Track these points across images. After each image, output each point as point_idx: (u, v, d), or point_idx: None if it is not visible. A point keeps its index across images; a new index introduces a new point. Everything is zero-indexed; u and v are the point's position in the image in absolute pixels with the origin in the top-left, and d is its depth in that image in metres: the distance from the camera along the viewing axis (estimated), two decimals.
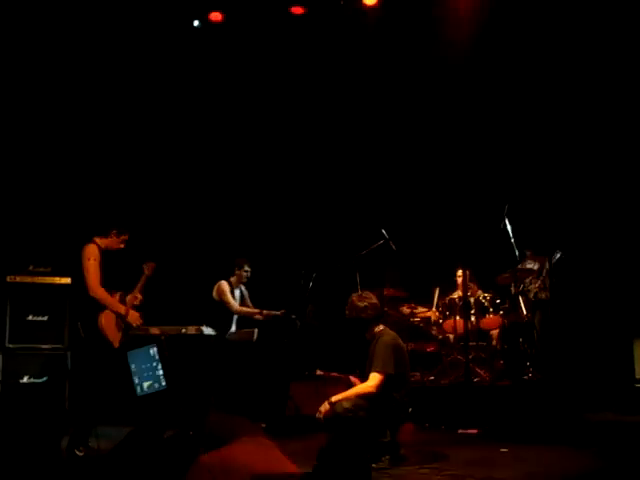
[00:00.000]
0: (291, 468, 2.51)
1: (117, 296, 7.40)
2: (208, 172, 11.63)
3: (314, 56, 11.24)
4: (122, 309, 7.32)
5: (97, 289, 7.12)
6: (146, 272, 7.66)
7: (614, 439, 7.47)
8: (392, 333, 6.99)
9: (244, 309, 9.92)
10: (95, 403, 7.19)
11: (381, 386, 6.54)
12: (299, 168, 11.86)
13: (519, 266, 10.09)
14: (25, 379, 8.45)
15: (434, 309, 10.52)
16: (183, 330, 9.18)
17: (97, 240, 7.31)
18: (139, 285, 7.62)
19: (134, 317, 7.41)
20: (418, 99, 11.38)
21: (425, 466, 6.60)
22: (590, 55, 10.49)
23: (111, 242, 7.37)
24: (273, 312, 9.82)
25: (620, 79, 10.42)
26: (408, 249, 10.39)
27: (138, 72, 10.93)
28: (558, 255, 9.86)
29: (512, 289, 10.32)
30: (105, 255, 7.31)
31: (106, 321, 7.23)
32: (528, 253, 10.42)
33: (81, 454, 6.91)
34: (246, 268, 9.92)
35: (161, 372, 6.47)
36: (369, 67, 11.24)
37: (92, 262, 7.13)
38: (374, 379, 6.57)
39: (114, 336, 7.30)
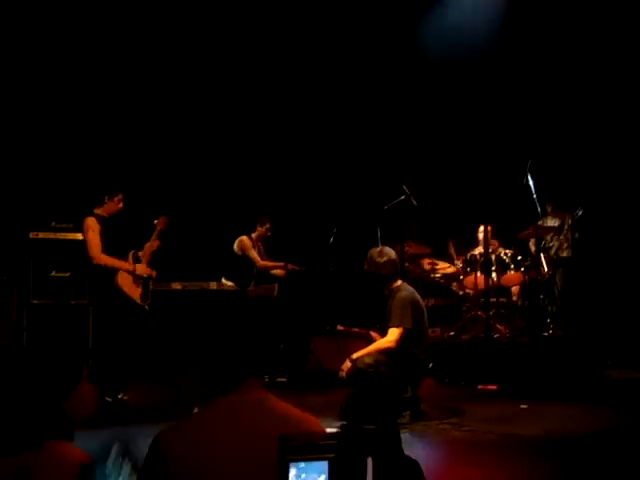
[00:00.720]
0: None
1: (130, 255, 7.78)
2: (228, 128, 11.58)
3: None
4: (128, 266, 7.69)
5: (99, 257, 7.51)
6: (158, 227, 8.03)
7: (633, 397, 7.48)
8: (410, 288, 7.03)
9: (268, 263, 9.95)
10: (121, 358, 7.38)
11: (400, 340, 6.58)
12: (321, 124, 11.79)
13: (540, 222, 10.05)
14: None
15: (456, 262, 10.49)
16: (204, 285, 9.29)
17: (97, 210, 7.65)
18: (154, 235, 8.01)
19: (141, 269, 7.78)
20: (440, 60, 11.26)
21: (445, 421, 6.68)
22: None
23: (109, 207, 7.70)
24: (296, 266, 9.86)
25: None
26: (429, 205, 10.35)
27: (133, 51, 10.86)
28: (580, 212, 9.82)
29: (533, 246, 10.31)
30: (109, 221, 7.68)
31: (122, 280, 7.63)
32: (549, 209, 10.35)
33: (110, 400, 7.21)
34: (268, 226, 9.94)
35: None
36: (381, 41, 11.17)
37: (91, 233, 7.54)
38: (393, 334, 6.62)
39: (133, 292, 7.71)
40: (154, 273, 7.94)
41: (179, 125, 11.26)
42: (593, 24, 10.49)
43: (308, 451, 1.98)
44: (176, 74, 11.08)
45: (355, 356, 6.59)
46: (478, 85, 11.18)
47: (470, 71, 11.09)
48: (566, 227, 10.17)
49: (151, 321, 8.04)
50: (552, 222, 10.39)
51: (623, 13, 10.36)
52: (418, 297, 6.97)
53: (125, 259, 7.73)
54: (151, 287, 7.94)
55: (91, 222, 7.56)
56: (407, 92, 11.56)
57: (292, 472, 1.96)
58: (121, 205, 7.74)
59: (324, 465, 1.99)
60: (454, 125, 11.46)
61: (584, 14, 10.48)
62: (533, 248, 10.30)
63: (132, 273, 7.68)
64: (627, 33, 10.40)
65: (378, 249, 7.11)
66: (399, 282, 7.00)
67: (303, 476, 1.96)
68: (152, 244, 7.97)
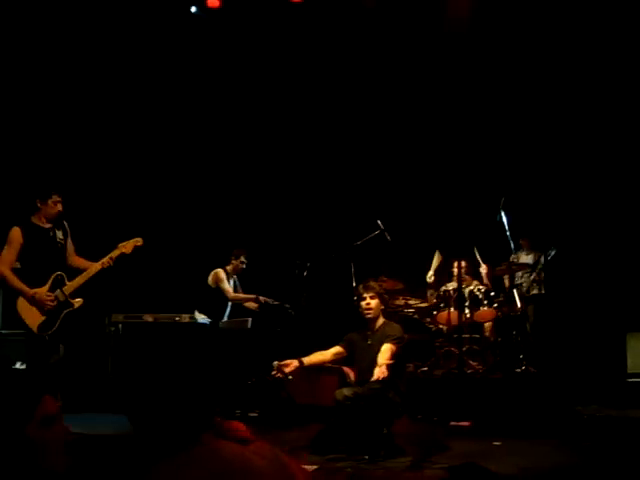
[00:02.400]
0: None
1: (52, 277, 7.02)
2: (204, 161, 11.58)
3: (305, 45, 11.18)
4: (26, 290, 6.89)
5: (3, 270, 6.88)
6: (122, 249, 7.20)
7: (606, 433, 7.49)
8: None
9: (240, 295, 9.94)
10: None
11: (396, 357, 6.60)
12: (295, 158, 11.82)
13: (513, 257, 10.13)
14: None
15: (431, 273, 10.50)
16: (177, 318, 9.20)
17: (34, 219, 7.08)
18: (106, 257, 7.16)
19: (41, 297, 6.90)
20: (415, 90, 11.33)
21: (418, 459, 6.62)
22: (586, 49, 10.48)
23: (45, 212, 7.06)
24: (268, 299, 9.82)
25: (618, 77, 10.41)
26: (403, 240, 10.37)
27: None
28: (553, 252, 9.89)
29: (506, 282, 10.35)
30: (47, 233, 7.07)
31: (21, 303, 6.96)
32: (523, 243, 10.43)
33: None
34: (242, 259, 9.93)
35: None
36: (362, 58, 11.18)
37: (6, 247, 6.93)
38: (391, 349, 6.62)
39: (32, 319, 6.94)
40: (75, 303, 7.09)
41: (156, 152, 11.23)
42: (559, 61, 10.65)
43: None
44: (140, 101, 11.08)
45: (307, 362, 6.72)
46: (452, 121, 11.26)
47: (444, 106, 11.17)
48: (539, 265, 10.23)
49: (51, 354, 7.00)
50: (526, 259, 10.46)
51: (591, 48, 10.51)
52: None
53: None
54: (74, 317, 7.12)
55: (12, 233, 6.96)
56: (381, 127, 11.61)
57: None
58: (59, 207, 7.05)
59: None
60: (428, 161, 11.52)
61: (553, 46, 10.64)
62: (507, 284, 10.34)
63: (28, 298, 6.87)
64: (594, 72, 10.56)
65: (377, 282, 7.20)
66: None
67: None
68: (95, 266, 7.11)
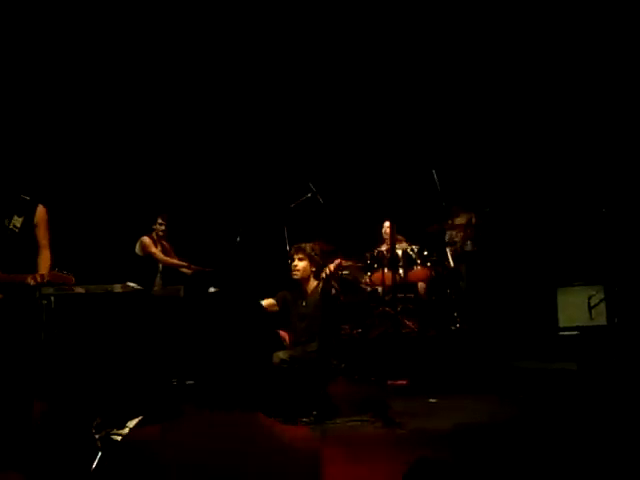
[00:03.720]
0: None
1: None
2: (133, 126, 11.34)
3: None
4: None
5: None
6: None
7: (539, 386, 7.61)
8: None
9: (172, 260, 9.77)
10: None
11: None
12: (226, 120, 11.67)
13: (449, 221, 10.19)
14: None
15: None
16: (109, 288, 9.04)
17: None
18: None
19: None
20: (350, 55, 11.25)
21: (355, 418, 6.64)
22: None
23: None
24: (201, 267, 9.72)
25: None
26: (335, 202, 10.34)
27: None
28: (487, 210, 9.97)
29: (439, 241, 10.41)
30: None
31: None
32: (454, 209, 10.47)
33: None
34: (160, 221, 9.74)
35: None
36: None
37: None
38: None
39: None
40: None
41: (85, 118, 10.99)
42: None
43: None
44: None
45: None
46: (383, 81, 11.23)
47: (374, 68, 11.12)
48: (471, 223, 10.30)
49: None
50: (459, 221, 10.51)
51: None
52: None
53: None
54: None
55: None
56: (313, 90, 11.52)
57: None
58: None
59: None
60: (360, 122, 11.48)
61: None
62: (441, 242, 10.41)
63: None
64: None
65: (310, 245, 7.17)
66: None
67: None
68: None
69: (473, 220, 10.19)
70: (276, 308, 7.03)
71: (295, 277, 6.95)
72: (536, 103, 10.76)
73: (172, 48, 11.04)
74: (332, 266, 6.90)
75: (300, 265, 6.92)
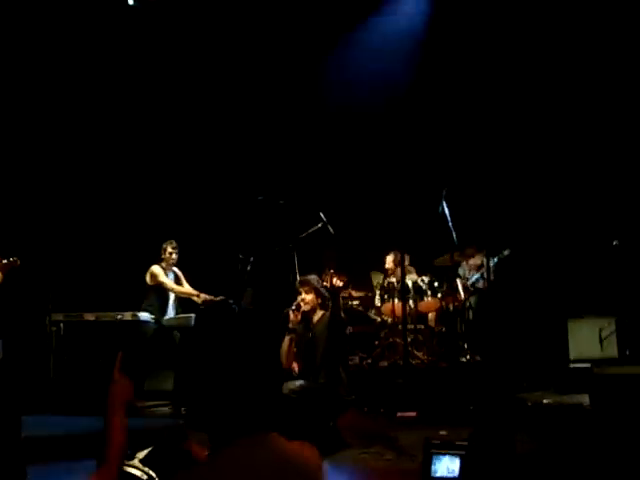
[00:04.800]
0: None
1: None
2: (141, 155, 11.38)
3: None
4: None
5: None
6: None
7: (550, 420, 7.56)
8: None
9: (182, 289, 9.78)
10: None
11: None
12: (236, 149, 11.71)
13: (464, 261, 10.24)
14: None
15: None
16: (119, 316, 9.04)
17: None
18: None
19: None
20: (359, 82, 11.31)
21: (365, 451, 6.61)
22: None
23: None
24: (211, 297, 9.71)
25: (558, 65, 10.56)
26: (346, 233, 10.36)
27: None
28: (507, 252, 9.96)
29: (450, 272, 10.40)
30: None
31: None
32: (471, 249, 10.44)
33: None
34: (169, 250, 9.74)
35: None
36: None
37: None
38: None
39: None
40: None
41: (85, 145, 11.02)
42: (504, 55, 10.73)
43: None
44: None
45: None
46: (394, 113, 11.27)
47: (387, 99, 11.16)
48: (492, 266, 10.30)
49: None
50: (474, 261, 10.50)
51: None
52: None
53: None
54: None
55: None
56: (319, 120, 11.57)
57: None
58: None
59: None
60: (371, 153, 11.51)
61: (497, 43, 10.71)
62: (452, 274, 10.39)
63: None
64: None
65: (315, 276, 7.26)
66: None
67: None
68: None
69: (490, 262, 10.20)
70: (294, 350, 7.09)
71: (304, 309, 7.02)
72: (544, 134, 10.78)
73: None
74: (337, 281, 6.92)
75: (308, 298, 7.01)
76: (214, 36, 11.02)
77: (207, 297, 9.65)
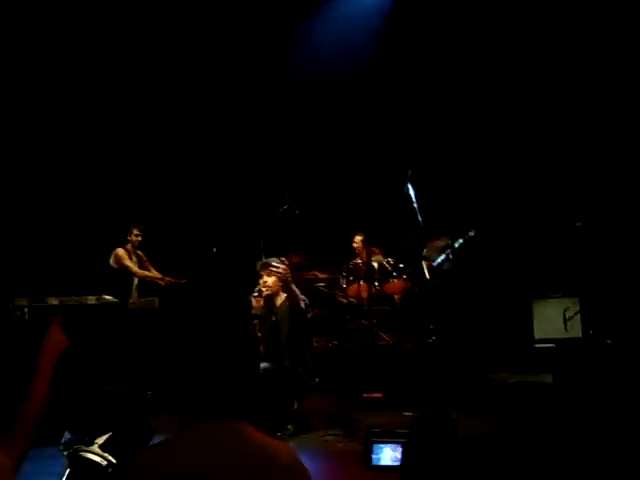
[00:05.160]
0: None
1: None
2: (105, 136, 11.25)
3: None
4: None
5: None
6: None
7: (515, 399, 7.60)
8: None
9: (146, 272, 9.76)
10: None
11: None
12: (202, 131, 11.62)
13: (428, 242, 10.24)
14: None
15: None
16: (83, 300, 8.96)
17: None
18: None
19: None
20: (326, 66, 11.26)
21: (330, 433, 6.62)
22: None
23: None
24: (175, 279, 9.67)
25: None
26: (312, 214, 10.33)
27: None
28: (472, 233, 9.98)
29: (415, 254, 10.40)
30: None
31: None
32: (435, 233, 10.46)
33: None
34: (136, 232, 9.72)
35: None
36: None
37: None
38: None
39: None
40: None
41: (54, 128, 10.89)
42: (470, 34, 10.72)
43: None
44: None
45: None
46: (358, 94, 11.22)
47: (351, 79, 11.11)
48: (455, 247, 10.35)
49: None
50: (439, 243, 10.51)
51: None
52: None
53: None
54: None
55: None
56: (286, 99, 11.50)
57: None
58: None
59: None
60: (336, 135, 11.47)
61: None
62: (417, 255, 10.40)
63: None
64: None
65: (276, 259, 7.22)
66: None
67: None
68: None
69: (455, 244, 10.25)
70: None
71: (266, 293, 6.99)
72: (507, 115, 10.80)
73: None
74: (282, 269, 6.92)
75: (269, 281, 6.97)
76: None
77: (172, 280, 9.62)
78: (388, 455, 2.97)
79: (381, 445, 2.85)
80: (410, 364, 8.95)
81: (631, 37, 9.75)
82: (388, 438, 2.83)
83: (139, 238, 9.76)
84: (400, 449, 2.61)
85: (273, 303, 7.05)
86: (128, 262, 9.58)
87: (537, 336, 9.59)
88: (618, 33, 9.87)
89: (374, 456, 2.99)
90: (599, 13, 9.93)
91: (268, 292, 7.01)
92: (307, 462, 2.30)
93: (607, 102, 10.11)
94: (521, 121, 10.70)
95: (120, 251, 9.59)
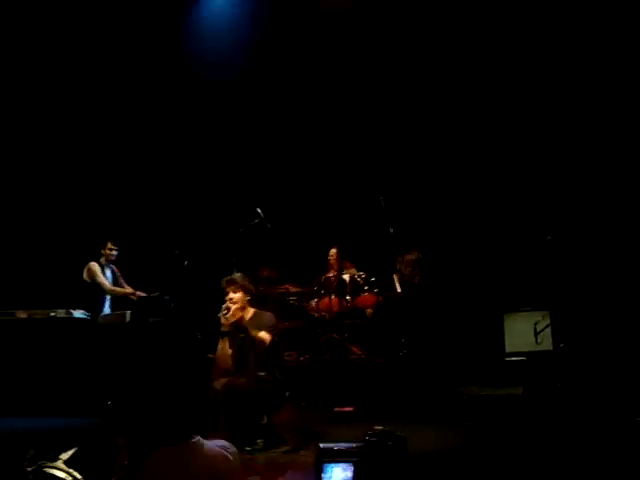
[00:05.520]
0: None
1: None
2: (82, 147, 11.19)
3: None
4: None
5: None
6: None
7: (486, 413, 7.62)
8: None
9: (117, 289, 9.69)
10: None
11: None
12: (173, 144, 11.58)
13: (400, 257, 10.28)
14: None
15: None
16: (52, 314, 8.86)
17: None
18: None
19: None
20: (300, 78, 11.28)
21: (300, 447, 6.59)
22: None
23: None
24: (144, 293, 9.61)
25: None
26: (283, 228, 10.31)
27: None
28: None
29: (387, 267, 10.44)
30: None
31: None
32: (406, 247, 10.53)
33: None
34: (110, 246, 9.65)
35: None
36: None
37: None
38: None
39: None
40: None
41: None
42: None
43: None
44: None
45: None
46: (334, 108, 11.26)
47: (324, 94, 11.15)
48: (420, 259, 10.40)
49: None
50: (409, 257, 10.57)
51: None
52: None
53: None
54: None
55: None
56: (262, 116, 11.50)
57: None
58: None
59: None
60: (310, 147, 11.48)
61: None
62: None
63: None
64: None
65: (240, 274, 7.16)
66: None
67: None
68: None
69: (420, 256, 10.32)
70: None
71: (233, 308, 6.94)
72: (478, 130, 10.87)
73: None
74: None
75: (236, 297, 6.91)
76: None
77: (142, 295, 9.56)
78: (339, 475, 2.94)
79: (331, 465, 2.81)
80: (381, 378, 8.95)
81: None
82: (339, 457, 2.80)
83: (113, 252, 9.70)
84: (351, 469, 2.59)
85: (241, 318, 6.99)
86: (101, 279, 9.51)
87: (508, 349, 9.61)
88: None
89: (324, 475, 2.95)
90: (586, 16, 10.02)
91: (235, 307, 6.95)
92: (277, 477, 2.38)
93: (575, 118, 10.21)
94: (490, 135, 10.77)
95: (93, 265, 9.52)
